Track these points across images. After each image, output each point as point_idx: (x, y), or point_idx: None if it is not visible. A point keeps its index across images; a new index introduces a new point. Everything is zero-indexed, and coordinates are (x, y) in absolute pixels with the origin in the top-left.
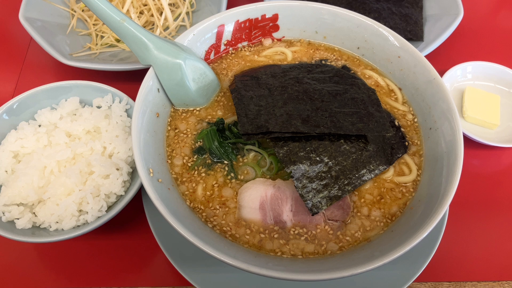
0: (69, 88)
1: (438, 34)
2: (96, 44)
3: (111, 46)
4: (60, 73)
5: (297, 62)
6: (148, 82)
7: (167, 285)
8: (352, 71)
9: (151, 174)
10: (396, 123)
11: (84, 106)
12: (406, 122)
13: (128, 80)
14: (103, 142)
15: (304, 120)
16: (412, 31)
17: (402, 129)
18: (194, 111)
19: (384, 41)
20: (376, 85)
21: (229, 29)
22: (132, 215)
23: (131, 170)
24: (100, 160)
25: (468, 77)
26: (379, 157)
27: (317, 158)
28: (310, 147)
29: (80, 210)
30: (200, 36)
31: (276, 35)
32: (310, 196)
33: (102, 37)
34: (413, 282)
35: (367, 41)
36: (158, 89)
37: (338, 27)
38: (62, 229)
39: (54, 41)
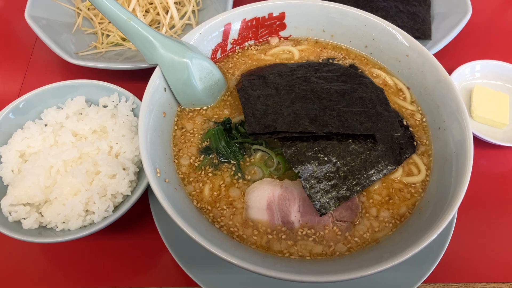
0: (75, 87)
1: (446, 32)
2: (102, 43)
3: (117, 45)
4: (65, 72)
5: (304, 61)
6: (155, 81)
7: (173, 286)
8: (360, 70)
9: (158, 174)
10: (405, 123)
11: (90, 106)
12: (415, 122)
13: (134, 79)
14: (109, 141)
15: (312, 119)
16: (420, 29)
17: (411, 129)
18: (201, 110)
19: (392, 40)
20: (384, 84)
21: (235, 28)
22: (139, 215)
23: (137, 170)
24: (106, 159)
25: (477, 76)
26: (388, 157)
27: (325, 158)
28: (318, 147)
29: (87, 210)
30: (206, 34)
31: (283, 33)
32: (318, 197)
33: (108, 35)
34: (421, 283)
35: (375, 40)
36: (165, 89)
37: (345, 26)
38: (69, 229)
39: (60, 40)
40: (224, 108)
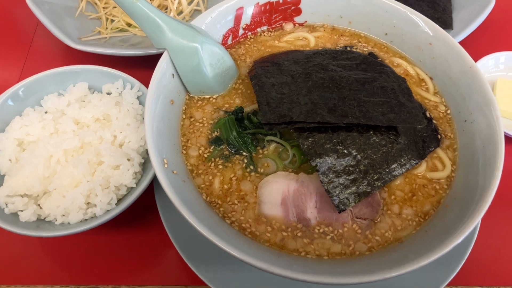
0: (78, 73)
1: (467, 22)
2: (106, 28)
3: (122, 30)
4: (68, 58)
5: (320, 48)
6: (163, 66)
7: (179, 284)
8: (380, 59)
9: (166, 165)
10: (428, 115)
11: (93, 93)
12: (438, 114)
13: (140, 67)
14: (113, 130)
15: (331, 109)
16: (441, 18)
17: (434, 121)
18: (211, 99)
19: (415, 27)
20: (405, 74)
21: (248, 12)
22: (144, 209)
23: (143, 160)
24: (109, 149)
25: (501, 68)
26: (411, 151)
27: (345, 151)
28: (337, 139)
29: (88, 203)
30: (218, 19)
31: (298, 19)
32: (337, 192)
33: (112, 21)
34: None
35: (396, 27)
36: (173, 75)
37: (364, 12)
38: (69, 223)
39: (62, 25)
40: (235, 96)
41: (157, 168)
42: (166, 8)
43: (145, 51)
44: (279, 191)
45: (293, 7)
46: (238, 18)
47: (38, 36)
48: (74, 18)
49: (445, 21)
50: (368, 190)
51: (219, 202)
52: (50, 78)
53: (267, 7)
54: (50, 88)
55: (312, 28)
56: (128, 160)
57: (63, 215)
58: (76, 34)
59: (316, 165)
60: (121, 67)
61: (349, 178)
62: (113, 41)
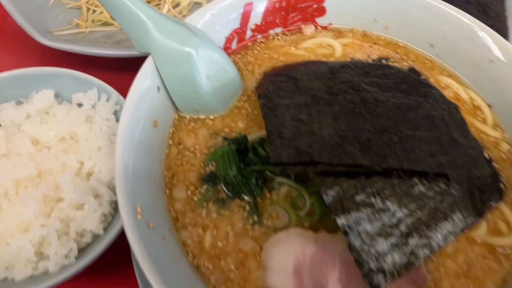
0: (41, 78)
1: None
2: (87, 20)
3: (106, 24)
4: (43, 58)
5: (348, 60)
6: (144, 78)
7: None
8: (423, 77)
9: (139, 216)
10: (486, 155)
11: (61, 102)
12: (500, 155)
13: (124, 70)
14: (80, 155)
15: (364, 146)
16: (494, 26)
17: (495, 164)
18: (207, 120)
19: (471, 39)
20: (455, 99)
21: (259, 10)
22: (115, 260)
23: (115, 198)
24: (72, 182)
25: None
26: (465, 205)
27: (381, 206)
28: (371, 188)
29: (41, 253)
30: (220, 16)
31: (320, 21)
32: (370, 262)
33: (94, 11)
34: None
35: (445, 37)
36: (158, 88)
37: (405, 15)
38: (13, 280)
39: (32, 15)
40: (238, 118)
41: (127, 222)
42: (160, 0)
43: (130, 51)
44: (291, 255)
45: (315, 5)
46: (246, 16)
47: (8, 28)
48: (48, 7)
49: (498, 30)
50: (411, 261)
51: (210, 267)
52: (8, 82)
53: (283, 4)
54: (7, 94)
55: (339, 33)
56: (97, 196)
57: (7, 268)
58: (50, 26)
59: (344, 225)
60: (101, 70)
61: (387, 243)
62: (94, 36)
